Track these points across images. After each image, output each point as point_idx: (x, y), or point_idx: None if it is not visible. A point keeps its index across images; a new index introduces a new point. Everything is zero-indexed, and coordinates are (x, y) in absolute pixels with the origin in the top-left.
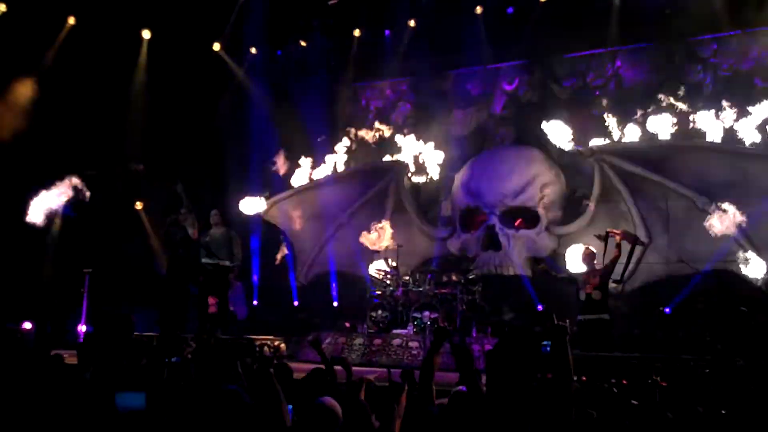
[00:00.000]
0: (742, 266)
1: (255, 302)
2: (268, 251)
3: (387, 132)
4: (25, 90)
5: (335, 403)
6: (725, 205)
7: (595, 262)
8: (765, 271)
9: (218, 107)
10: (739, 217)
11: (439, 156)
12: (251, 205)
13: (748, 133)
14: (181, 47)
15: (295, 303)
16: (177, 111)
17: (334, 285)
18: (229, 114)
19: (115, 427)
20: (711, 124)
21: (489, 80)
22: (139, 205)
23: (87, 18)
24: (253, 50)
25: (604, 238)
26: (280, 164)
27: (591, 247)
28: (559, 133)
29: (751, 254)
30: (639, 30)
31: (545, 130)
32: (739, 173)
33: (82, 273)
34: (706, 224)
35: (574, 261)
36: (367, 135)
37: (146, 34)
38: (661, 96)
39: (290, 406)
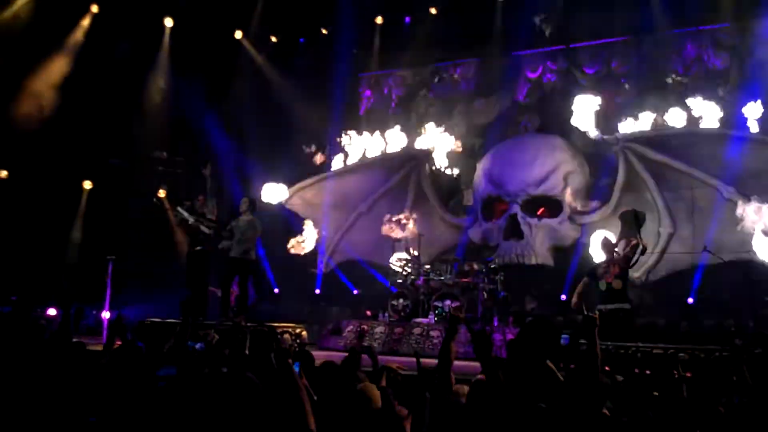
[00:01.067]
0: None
1: (276, 290)
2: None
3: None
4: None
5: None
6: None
7: (616, 250)
8: None
9: (242, 95)
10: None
11: (462, 145)
12: (273, 193)
13: None
14: (204, 35)
15: (317, 291)
16: (201, 99)
17: (357, 273)
18: (254, 102)
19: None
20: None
21: (512, 68)
22: (162, 193)
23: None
24: (274, 39)
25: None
26: (315, 155)
27: (608, 236)
28: (587, 110)
29: None
30: (663, 16)
31: (571, 116)
32: (765, 161)
33: (105, 260)
34: (739, 212)
35: (597, 249)
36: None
37: (169, 22)
38: (685, 83)
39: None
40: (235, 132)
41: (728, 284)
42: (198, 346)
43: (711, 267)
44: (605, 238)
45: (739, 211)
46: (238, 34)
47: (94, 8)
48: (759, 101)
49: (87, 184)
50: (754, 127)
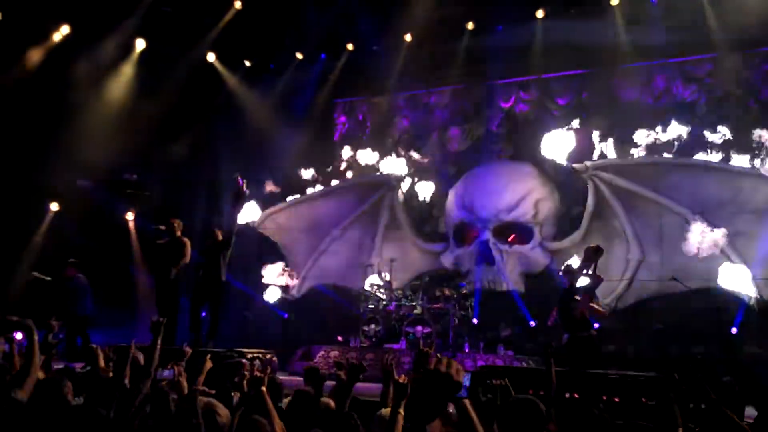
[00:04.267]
0: (732, 283)
1: (246, 313)
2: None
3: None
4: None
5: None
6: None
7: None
8: (756, 291)
9: (213, 118)
10: (719, 237)
11: (435, 171)
12: (246, 213)
13: (737, 155)
14: (176, 57)
15: (285, 316)
16: (172, 121)
17: (326, 299)
18: (228, 124)
19: None
20: (703, 144)
21: (486, 97)
22: (130, 215)
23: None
24: (247, 63)
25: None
26: (269, 187)
27: (570, 263)
28: (558, 144)
29: (742, 271)
30: (634, 49)
31: (541, 147)
32: (732, 192)
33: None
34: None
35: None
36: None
37: (141, 43)
38: (655, 114)
39: None
40: (208, 154)
41: (695, 312)
42: (166, 373)
43: (679, 294)
44: (568, 264)
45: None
46: (211, 57)
47: (65, 28)
48: (725, 132)
49: (53, 206)
50: (720, 158)
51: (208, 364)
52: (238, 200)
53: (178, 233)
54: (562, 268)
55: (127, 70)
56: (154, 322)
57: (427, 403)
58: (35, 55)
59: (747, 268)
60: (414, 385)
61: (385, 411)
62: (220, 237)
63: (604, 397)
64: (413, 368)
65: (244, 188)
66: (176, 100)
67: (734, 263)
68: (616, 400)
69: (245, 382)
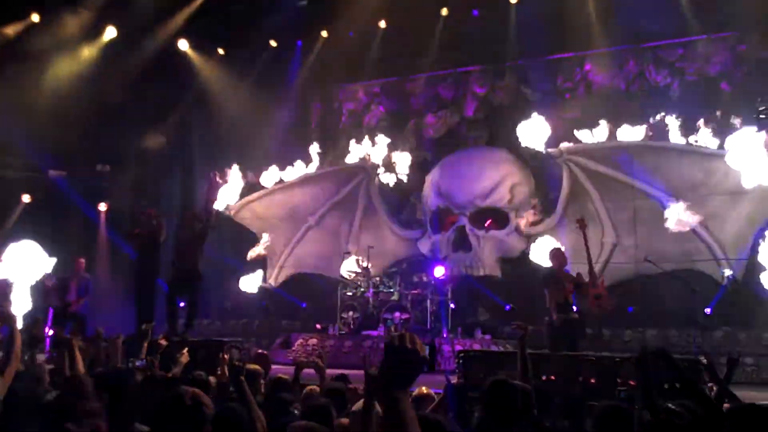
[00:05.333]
0: (707, 265)
1: (226, 304)
2: (240, 251)
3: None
4: None
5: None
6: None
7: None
8: (729, 271)
9: (188, 107)
10: (694, 217)
11: (411, 158)
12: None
13: (710, 137)
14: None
15: (263, 304)
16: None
17: (307, 286)
18: (201, 113)
19: None
20: (676, 128)
21: (461, 83)
22: (103, 207)
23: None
24: (221, 51)
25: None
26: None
27: (557, 245)
28: (534, 131)
29: (716, 252)
30: (607, 34)
31: (517, 134)
32: (705, 174)
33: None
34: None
35: (542, 255)
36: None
37: (111, 31)
38: (629, 99)
39: None
40: (181, 143)
41: (670, 294)
42: (139, 363)
43: (654, 277)
44: (557, 248)
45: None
46: (184, 45)
47: (35, 17)
48: (698, 115)
49: (26, 198)
50: (693, 141)
51: (185, 358)
52: (213, 192)
53: (154, 222)
54: (553, 250)
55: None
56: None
57: (396, 378)
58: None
59: (720, 249)
60: (382, 362)
61: (359, 405)
62: (197, 226)
63: (581, 379)
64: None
65: (218, 179)
66: (149, 89)
67: (708, 245)
68: (593, 381)
69: (225, 370)
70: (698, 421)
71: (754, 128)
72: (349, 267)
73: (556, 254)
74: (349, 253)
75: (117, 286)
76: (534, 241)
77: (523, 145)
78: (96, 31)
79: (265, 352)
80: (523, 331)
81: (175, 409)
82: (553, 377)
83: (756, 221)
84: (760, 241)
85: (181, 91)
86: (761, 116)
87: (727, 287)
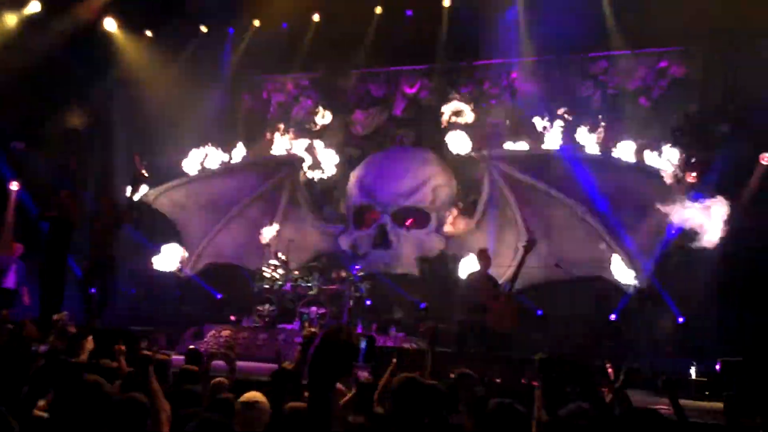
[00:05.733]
0: (615, 273)
1: (133, 290)
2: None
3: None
4: None
5: None
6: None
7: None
8: (635, 279)
9: (112, 89)
10: None
11: (338, 153)
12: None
13: (626, 149)
14: (72, 21)
15: (177, 293)
16: (68, 89)
17: (222, 277)
18: (125, 97)
19: None
20: (593, 139)
21: (391, 82)
22: (14, 185)
23: None
24: (149, 33)
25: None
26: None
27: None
28: (457, 140)
29: (623, 261)
30: (535, 44)
31: (443, 136)
32: (618, 185)
33: None
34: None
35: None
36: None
37: (35, 5)
38: (552, 109)
39: None
40: (105, 125)
41: (579, 299)
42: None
43: (565, 282)
44: (484, 250)
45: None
46: (112, 25)
47: None
48: (617, 127)
49: None
50: (610, 153)
51: (90, 345)
52: (137, 182)
53: (67, 205)
54: (480, 251)
55: (16, 31)
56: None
57: (332, 368)
58: None
59: (629, 259)
60: (316, 351)
61: (251, 395)
62: (114, 213)
63: (486, 378)
64: (301, 350)
65: (143, 171)
66: (73, 67)
67: (617, 252)
68: (497, 381)
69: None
70: (593, 424)
71: (669, 144)
72: (267, 259)
73: (482, 256)
74: (268, 246)
75: (26, 268)
76: (454, 244)
77: (449, 147)
78: (19, 2)
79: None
80: (431, 332)
81: (76, 395)
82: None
83: (662, 232)
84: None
85: (105, 71)
86: (676, 132)
87: (632, 295)
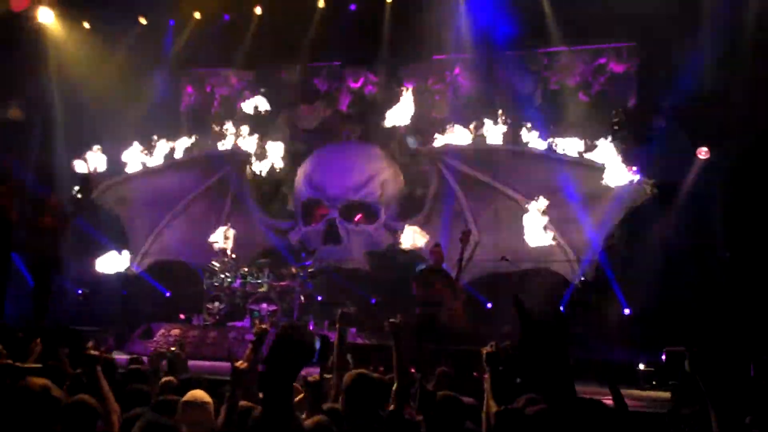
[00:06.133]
0: (561, 266)
1: (80, 291)
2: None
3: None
4: None
5: None
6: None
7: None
8: (580, 272)
9: (45, 78)
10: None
11: (283, 148)
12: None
13: (568, 144)
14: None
15: (123, 293)
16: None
17: (170, 274)
18: (62, 90)
19: None
20: (536, 134)
21: (335, 77)
22: None
23: None
24: (86, 25)
25: (465, 239)
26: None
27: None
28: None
29: (569, 253)
30: (477, 40)
31: (388, 129)
32: (562, 179)
33: None
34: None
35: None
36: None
37: None
38: (494, 104)
39: None
40: (42, 119)
41: (527, 292)
42: None
43: (511, 275)
44: (437, 244)
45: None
46: (48, 16)
47: None
48: (558, 122)
49: None
50: (552, 147)
51: (38, 348)
52: (87, 182)
53: (4, 201)
54: (433, 246)
55: None
56: None
57: (286, 368)
58: None
59: (571, 250)
60: (271, 351)
61: (194, 394)
62: (60, 212)
63: (439, 371)
64: (253, 348)
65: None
66: (4, 59)
67: (562, 246)
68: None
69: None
70: (540, 413)
71: (609, 137)
72: (215, 256)
73: (434, 251)
74: (216, 243)
75: None
76: (402, 232)
77: (393, 140)
78: None
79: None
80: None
81: (23, 400)
82: (413, 369)
83: (604, 224)
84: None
85: (40, 63)
86: (615, 127)
87: (577, 286)
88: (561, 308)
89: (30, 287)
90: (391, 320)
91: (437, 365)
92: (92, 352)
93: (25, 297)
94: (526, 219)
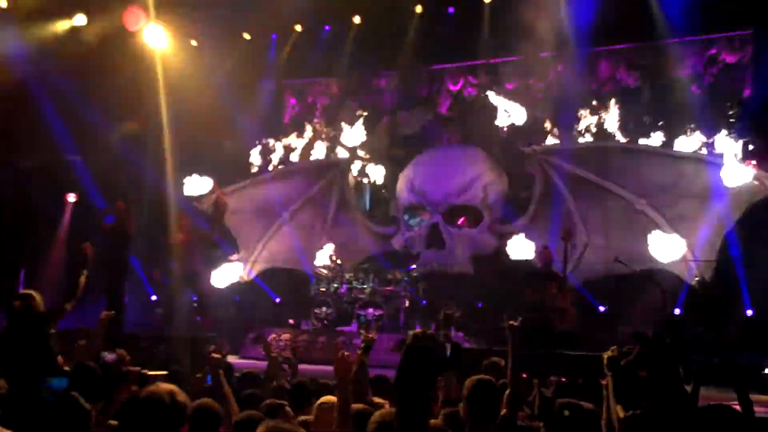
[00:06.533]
0: (676, 266)
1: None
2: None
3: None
4: None
5: None
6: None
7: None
8: (698, 271)
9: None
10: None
11: (385, 155)
12: (195, 186)
13: (680, 139)
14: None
15: (237, 299)
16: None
17: (279, 281)
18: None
19: None
20: (646, 130)
21: (435, 80)
22: (71, 197)
23: None
24: (194, 42)
25: (566, 237)
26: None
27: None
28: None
29: (685, 253)
30: (579, 36)
31: (490, 130)
32: (675, 176)
33: (17, 268)
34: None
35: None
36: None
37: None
38: (600, 100)
39: None
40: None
41: (640, 293)
42: (109, 357)
43: (624, 277)
44: (545, 246)
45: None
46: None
47: None
48: (669, 117)
49: None
50: (663, 143)
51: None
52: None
53: (123, 216)
54: (541, 248)
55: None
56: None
57: (419, 376)
58: None
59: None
60: (403, 360)
61: (327, 398)
62: (196, 234)
63: (552, 378)
64: (360, 355)
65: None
66: (120, 75)
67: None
68: (564, 380)
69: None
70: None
71: (725, 132)
72: (322, 263)
73: (543, 253)
74: (322, 249)
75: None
76: (509, 239)
77: (495, 142)
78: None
79: None
80: (515, 329)
81: (151, 406)
82: (524, 375)
83: (722, 221)
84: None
85: (152, 80)
86: (731, 120)
87: (694, 287)
88: (677, 310)
89: (151, 298)
90: (511, 322)
91: (550, 371)
92: (215, 355)
93: (143, 306)
94: (654, 239)
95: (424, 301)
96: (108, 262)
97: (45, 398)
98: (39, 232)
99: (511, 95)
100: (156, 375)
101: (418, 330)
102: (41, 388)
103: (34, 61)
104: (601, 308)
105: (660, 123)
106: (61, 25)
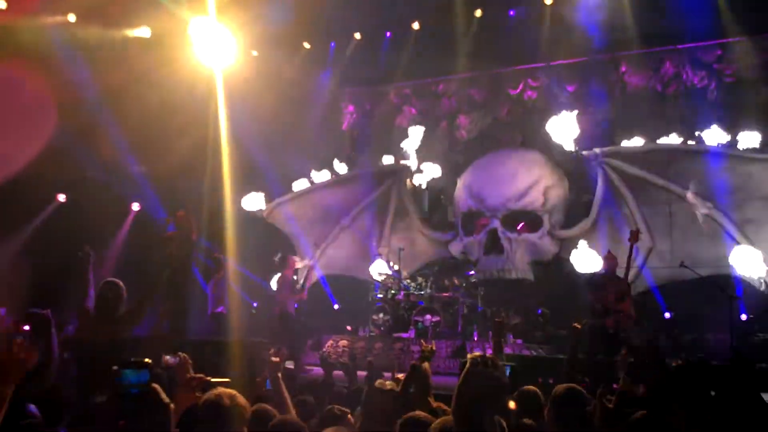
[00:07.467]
0: (745, 270)
1: (255, 304)
2: (268, 252)
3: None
4: None
5: None
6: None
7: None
8: (765, 273)
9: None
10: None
11: (443, 160)
12: (252, 202)
13: (749, 140)
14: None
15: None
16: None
17: (337, 287)
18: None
19: None
20: (713, 130)
21: (493, 84)
22: (135, 206)
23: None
24: (255, 53)
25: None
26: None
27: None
28: (563, 128)
29: (755, 257)
30: (643, 35)
31: (550, 133)
32: (742, 177)
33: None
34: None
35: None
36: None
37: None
38: (664, 101)
39: None
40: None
41: (706, 299)
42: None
43: (689, 282)
44: (609, 251)
45: None
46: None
47: None
48: (736, 117)
49: (61, 197)
50: (730, 143)
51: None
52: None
53: (184, 224)
54: (606, 253)
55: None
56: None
57: (482, 403)
58: None
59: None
60: (462, 386)
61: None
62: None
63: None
64: (412, 366)
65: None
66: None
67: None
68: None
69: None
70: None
71: None
72: (380, 269)
73: (608, 257)
74: (380, 255)
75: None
76: (576, 246)
77: (555, 145)
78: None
79: None
80: (579, 332)
81: (215, 410)
82: (587, 380)
83: None
84: None
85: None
86: None
87: (764, 292)
88: (744, 316)
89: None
90: (575, 324)
91: (612, 377)
92: (274, 359)
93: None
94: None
95: (482, 308)
96: (173, 269)
97: (130, 390)
98: (102, 239)
99: (571, 97)
100: (219, 381)
101: (477, 353)
102: (124, 381)
103: (98, 79)
104: (667, 314)
105: (725, 123)
106: (124, 37)
